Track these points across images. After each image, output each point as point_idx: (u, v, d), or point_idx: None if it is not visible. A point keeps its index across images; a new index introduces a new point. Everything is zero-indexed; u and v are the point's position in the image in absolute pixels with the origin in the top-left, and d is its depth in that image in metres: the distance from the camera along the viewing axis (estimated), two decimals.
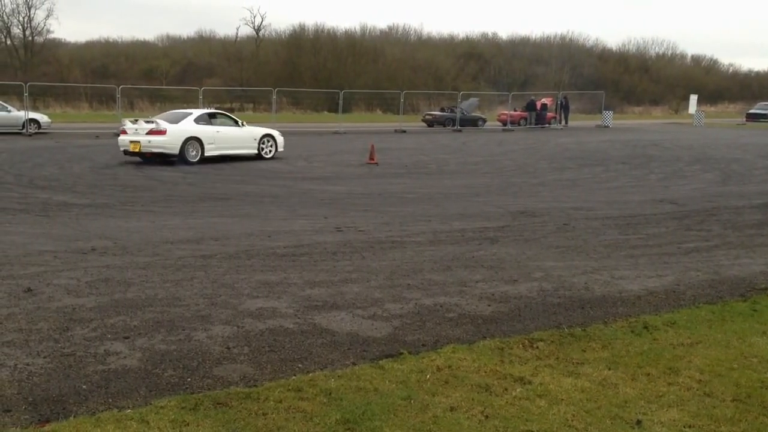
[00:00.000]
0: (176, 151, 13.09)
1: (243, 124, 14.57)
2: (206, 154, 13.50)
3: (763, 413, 2.91)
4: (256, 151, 14.47)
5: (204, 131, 13.54)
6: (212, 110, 15.50)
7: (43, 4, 53.94)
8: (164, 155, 13.06)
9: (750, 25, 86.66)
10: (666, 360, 3.49)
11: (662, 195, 10.02)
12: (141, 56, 48.36)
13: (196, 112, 14.16)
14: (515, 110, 31.78)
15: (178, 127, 13.22)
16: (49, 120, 22.15)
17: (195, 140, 13.31)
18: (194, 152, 13.33)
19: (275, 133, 15.15)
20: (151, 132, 12.93)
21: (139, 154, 13.12)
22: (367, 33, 52.57)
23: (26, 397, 2.91)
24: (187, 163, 13.10)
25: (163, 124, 13.09)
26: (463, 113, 29.98)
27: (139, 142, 12.93)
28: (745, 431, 2.76)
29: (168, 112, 15.01)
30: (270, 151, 14.75)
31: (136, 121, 13.46)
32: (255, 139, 14.46)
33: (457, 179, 11.94)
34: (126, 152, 13.38)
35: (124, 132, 13.36)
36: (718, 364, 3.45)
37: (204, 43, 52.59)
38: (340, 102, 27.93)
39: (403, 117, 29.09)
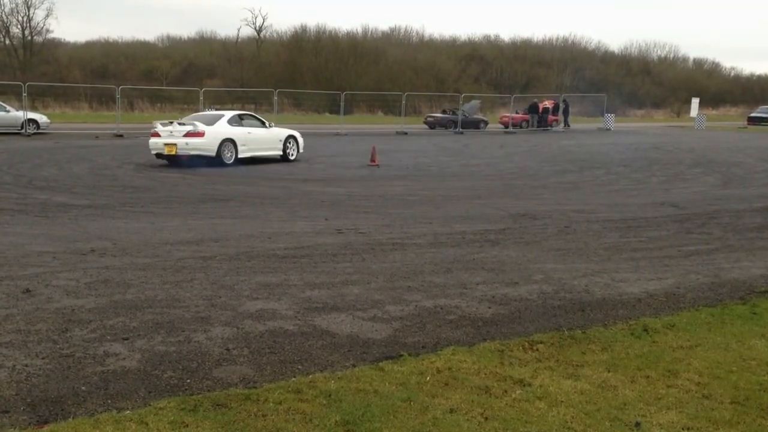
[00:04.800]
0: (213, 153, 12.99)
1: (270, 125, 14.42)
2: (240, 155, 13.37)
3: (761, 415, 2.91)
4: (281, 153, 14.28)
5: (237, 133, 13.38)
6: (241, 112, 15.32)
7: (42, 3, 53.99)
8: (202, 157, 12.91)
9: (752, 28, 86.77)
10: (665, 362, 3.48)
11: (663, 198, 10.01)
12: (141, 57, 48.42)
13: (228, 114, 14.03)
14: (517, 113, 31.80)
15: (215, 129, 13.14)
16: (48, 120, 22.18)
17: (230, 142, 13.22)
18: (229, 154, 13.23)
19: (296, 134, 14.92)
20: (188, 134, 12.78)
21: (174, 156, 12.87)
22: (368, 34, 52.69)
23: (25, 398, 2.91)
24: (223, 164, 12.97)
25: (201, 126, 12.94)
26: (464, 115, 30.01)
27: (175, 144, 12.75)
28: None
29: (196, 114, 14.90)
30: (293, 153, 14.54)
31: (170, 123, 13.29)
32: (280, 141, 14.27)
33: (458, 181, 11.94)
34: (159, 155, 13.09)
35: (156, 134, 13.00)
36: (717, 366, 3.44)
37: (205, 43, 52.66)
38: (342, 103, 27.96)
39: (404, 119, 29.13)
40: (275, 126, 14.77)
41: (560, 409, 2.90)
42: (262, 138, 13.94)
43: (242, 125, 13.75)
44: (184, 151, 12.73)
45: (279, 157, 14.28)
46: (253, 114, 15.14)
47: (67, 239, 6.18)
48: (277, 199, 9.27)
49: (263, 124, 14.30)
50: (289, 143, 14.44)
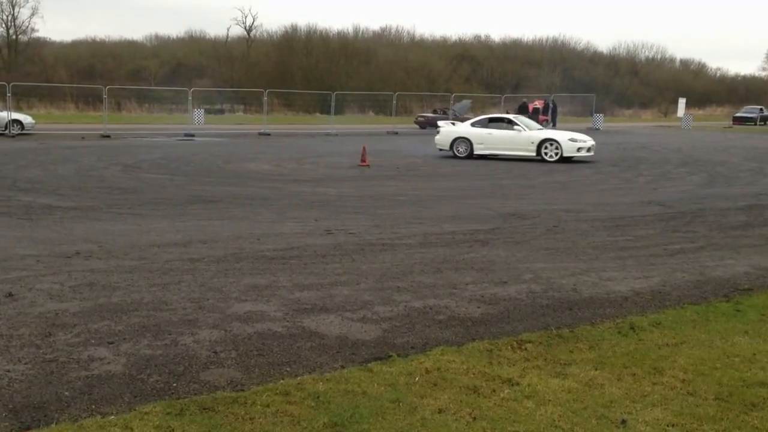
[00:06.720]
0: (447, 146, 16.37)
1: (523, 130, 15.89)
2: (476, 152, 16.04)
3: (744, 411, 2.94)
4: (534, 154, 15.71)
5: (474, 132, 16.18)
6: (497, 115, 18.08)
7: (27, 2, 53.42)
8: (440, 149, 16.55)
9: (737, 30, 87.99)
10: (651, 360, 3.51)
11: (650, 197, 10.10)
12: (129, 56, 48.01)
13: (480, 117, 17.63)
14: (507, 112, 31.92)
15: (449, 128, 16.85)
16: (33, 121, 21.90)
17: (464, 139, 16.19)
18: (462, 149, 16.19)
19: (559, 136, 16.00)
20: (437, 132, 16.98)
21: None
22: (359, 34, 52.61)
23: (6, 404, 2.86)
24: (455, 156, 16.16)
25: (441, 126, 17.11)
26: (455, 115, 30.10)
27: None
28: (727, 429, 2.79)
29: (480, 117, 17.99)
30: (553, 154, 15.51)
31: (451, 123, 17.66)
32: (532, 143, 15.75)
33: (448, 181, 11.96)
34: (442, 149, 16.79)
35: None
36: (702, 363, 3.48)
37: (194, 43, 52.30)
38: (332, 103, 27.91)
39: (395, 119, 29.17)
40: (530, 130, 16.14)
41: (548, 408, 2.91)
42: (506, 139, 15.93)
43: (487, 127, 16.32)
44: (437, 146, 16.66)
45: (533, 158, 15.64)
46: (508, 117, 16.96)
47: (51, 242, 6.11)
48: (266, 200, 9.22)
49: (513, 127, 16.00)
50: (547, 145, 15.60)
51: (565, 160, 15.35)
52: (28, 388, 3.02)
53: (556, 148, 15.41)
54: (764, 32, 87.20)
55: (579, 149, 15.55)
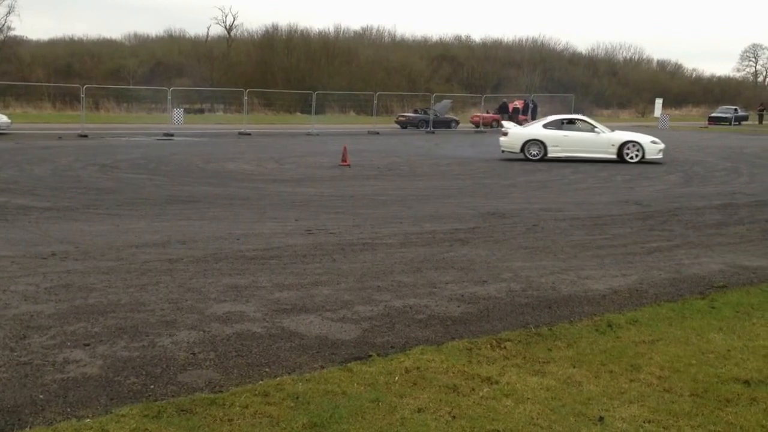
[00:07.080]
0: (517, 149, 15.76)
1: (602, 132, 15.68)
2: (550, 154, 15.60)
3: (719, 407, 3.01)
4: (614, 156, 15.49)
5: (548, 134, 15.70)
6: (571, 117, 17.33)
7: (3, 0, 52.07)
8: (509, 152, 15.98)
9: (712, 32, 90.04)
10: (628, 357, 3.57)
11: (628, 196, 10.27)
12: (107, 55, 47.18)
13: (551, 118, 16.85)
14: (488, 112, 32.22)
15: (518, 130, 16.42)
16: (9, 120, 21.44)
17: (537, 142, 15.64)
18: (535, 151, 15.65)
19: (642, 138, 15.78)
20: (502, 134, 16.36)
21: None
22: (340, 34, 52.50)
23: None
24: (528, 159, 15.60)
25: (507, 127, 16.63)
26: (436, 115, 30.25)
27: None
28: (702, 425, 2.85)
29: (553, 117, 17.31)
30: (634, 155, 15.44)
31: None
32: (613, 145, 15.60)
33: (429, 181, 12.01)
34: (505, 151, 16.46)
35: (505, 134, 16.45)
36: (678, 360, 3.55)
37: (173, 42, 51.61)
38: (313, 103, 27.80)
39: (376, 118, 29.16)
40: (610, 132, 15.91)
41: (526, 406, 2.95)
42: (585, 141, 15.59)
43: (561, 129, 15.86)
44: (503, 148, 16.10)
45: (613, 160, 15.42)
46: (586, 120, 16.62)
47: (26, 243, 5.97)
48: (246, 200, 9.14)
49: (592, 130, 15.71)
50: (629, 147, 15.51)
51: (641, 161, 15.20)
52: (1, 391, 2.95)
53: (638, 150, 15.33)
54: (738, 34, 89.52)
55: (660, 151, 15.57)
